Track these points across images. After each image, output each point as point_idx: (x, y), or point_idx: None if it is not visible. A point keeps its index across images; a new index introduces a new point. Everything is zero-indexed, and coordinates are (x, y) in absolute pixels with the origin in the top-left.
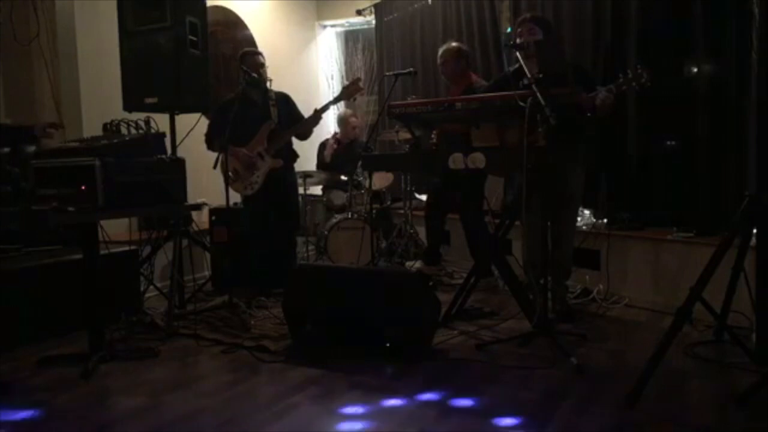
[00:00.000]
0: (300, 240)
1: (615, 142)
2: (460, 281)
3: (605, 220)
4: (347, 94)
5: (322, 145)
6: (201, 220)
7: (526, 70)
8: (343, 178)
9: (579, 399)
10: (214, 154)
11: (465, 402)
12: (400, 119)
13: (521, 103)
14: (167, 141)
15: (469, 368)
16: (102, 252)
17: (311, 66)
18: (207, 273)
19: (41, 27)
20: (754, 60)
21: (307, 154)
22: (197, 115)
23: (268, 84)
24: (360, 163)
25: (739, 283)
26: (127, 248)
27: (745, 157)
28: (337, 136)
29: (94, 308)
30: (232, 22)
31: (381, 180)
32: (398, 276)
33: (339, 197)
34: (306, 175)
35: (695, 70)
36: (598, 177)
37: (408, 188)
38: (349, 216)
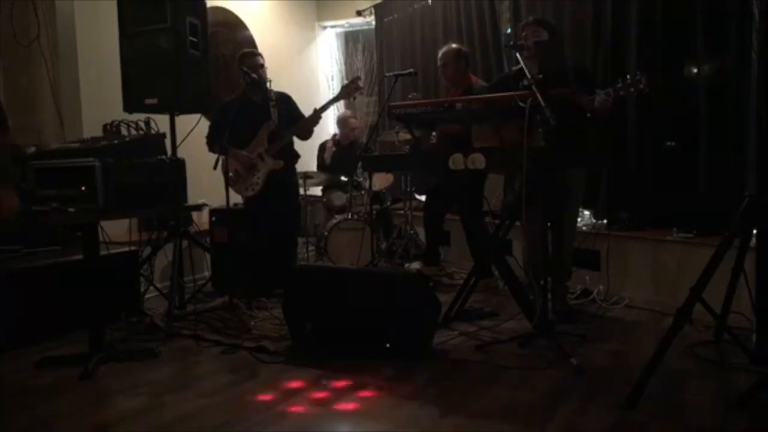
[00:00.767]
0: (300, 241)
1: (615, 142)
2: (460, 282)
3: (605, 220)
4: (347, 93)
5: (322, 147)
6: (201, 220)
7: (526, 70)
8: (343, 179)
9: (579, 399)
10: (214, 155)
11: (464, 402)
12: (400, 120)
13: (521, 104)
14: (167, 142)
15: (469, 369)
16: (102, 253)
17: (311, 67)
18: (207, 274)
19: (41, 27)
20: (754, 60)
21: (307, 155)
22: (197, 116)
23: (268, 84)
24: (360, 164)
25: (739, 283)
26: (127, 249)
27: (745, 157)
28: (336, 137)
29: (94, 308)
30: (232, 23)
31: (381, 181)
32: (398, 277)
33: (339, 198)
34: (306, 176)
35: (695, 70)
36: (598, 177)
37: (408, 189)
38: (349, 217)
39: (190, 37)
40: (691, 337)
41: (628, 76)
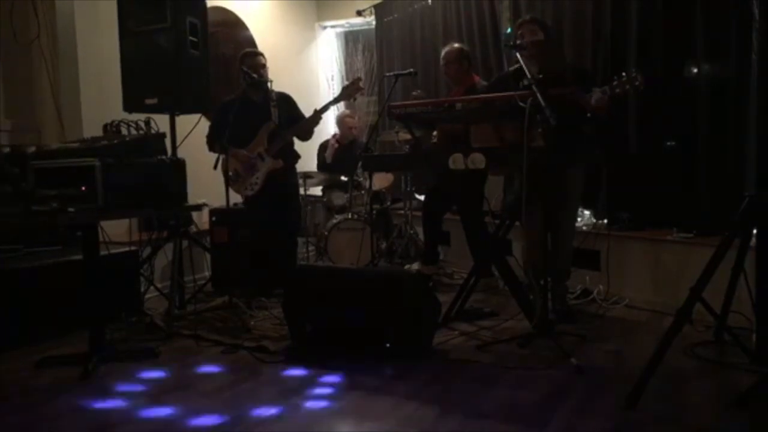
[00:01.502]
0: (300, 240)
1: (615, 142)
2: (460, 282)
3: (605, 220)
4: (347, 94)
5: (323, 147)
6: (201, 220)
7: (526, 70)
8: (344, 178)
9: (579, 399)
10: (215, 155)
11: (464, 403)
12: (400, 120)
13: (521, 104)
14: (167, 142)
15: (469, 369)
16: (102, 253)
17: (311, 66)
18: (207, 273)
19: (41, 27)
20: (754, 60)
21: (307, 155)
22: (197, 116)
23: (269, 84)
24: (360, 163)
25: (739, 283)
26: (127, 249)
27: (745, 157)
28: (337, 136)
29: (94, 308)
30: (232, 23)
31: (381, 181)
32: (398, 277)
33: (339, 198)
34: (306, 175)
35: (695, 70)
36: (598, 177)
37: (408, 189)
38: (350, 217)
39: (190, 37)
40: (691, 337)
41: (623, 74)
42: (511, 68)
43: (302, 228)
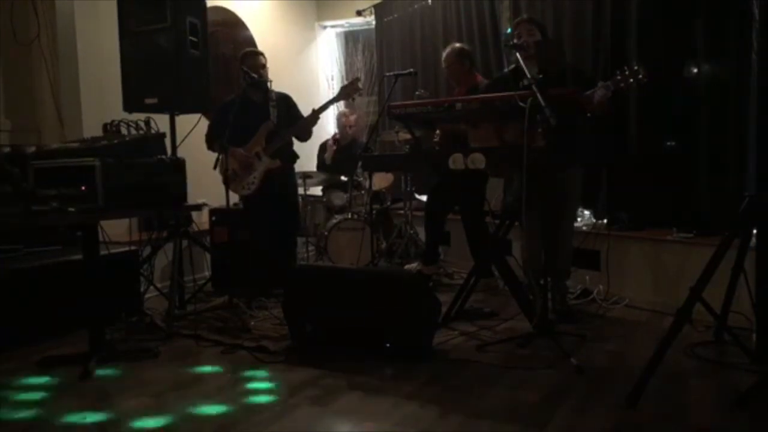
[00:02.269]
0: (300, 241)
1: (615, 142)
2: (460, 282)
3: (605, 220)
4: (345, 94)
5: (322, 147)
6: (201, 220)
7: (525, 70)
8: (343, 178)
9: (579, 399)
10: (214, 155)
11: (464, 402)
12: (400, 120)
13: (521, 104)
14: (167, 141)
15: (469, 369)
16: (102, 252)
17: (311, 66)
18: (207, 273)
19: (41, 27)
20: (754, 60)
21: (307, 155)
22: (197, 116)
23: (268, 84)
24: (360, 163)
25: (739, 283)
26: (127, 249)
27: (745, 157)
28: (336, 137)
29: (94, 308)
30: (232, 23)
31: (381, 181)
32: (398, 277)
33: (339, 198)
34: (306, 175)
35: (695, 70)
36: (598, 177)
37: (408, 189)
38: (349, 217)
39: (190, 37)
40: (691, 337)
41: (626, 68)
42: (511, 68)
43: (302, 228)
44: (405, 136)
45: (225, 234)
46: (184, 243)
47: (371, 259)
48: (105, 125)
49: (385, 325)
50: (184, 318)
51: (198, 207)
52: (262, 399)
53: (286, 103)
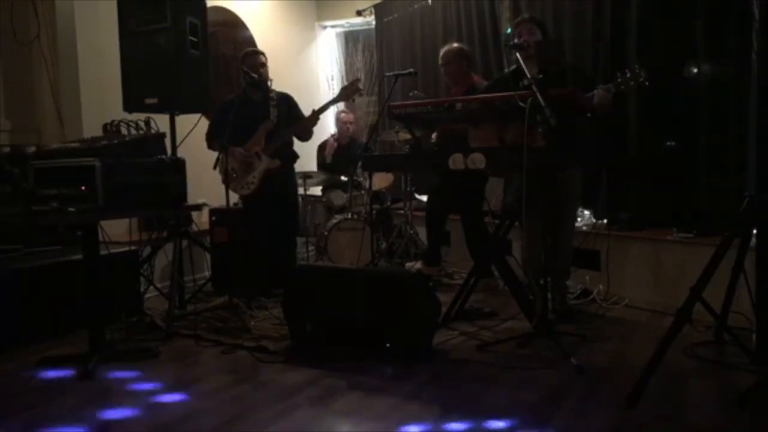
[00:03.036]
0: (300, 240)
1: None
2: (460, 282)
3: (605, 220)
4: (346, 95)
5: (322, 146)
6: (201, 220)
7: (525, 70)
8: (343, 178)
9: (579, 399)
10: (214, 155)
11: (464, 402)
12: (400, 120)
13: (521, 104)
14: (167, 141)
15: (469, 369)
16: (102, 252)
17: (311, 66)
18: (207, 273)
19: (41, 27)
20: (754, 60)
21: (307, 155)
22: (197, 116)
23: (269, 84)
24: (360, 163)
25: (739, 283)
26: (127, 249)
27: (745, 157)
28: (335, 135)
29: (94, 308)
30: (232, 23)
31: (381, 181)
32: (398, 277)
33: (339, 198)
34: (306, 175)
35: (695, 70)
36: (598, 177)
37: (408, 189)
38: (349, 216)
39: (190, 37)
40: (691, 337)
41: (627, 70)
42: (511, 68)
43: (302, 228)
44: (405, 136)
45: (225, 234)
46: (184, 243)
47: (371, 259)
48: (105, 125)
49: (385, 325)
50: (184, 318)
51: (198, 207)
52: (262, 399)
53: (287, 102)
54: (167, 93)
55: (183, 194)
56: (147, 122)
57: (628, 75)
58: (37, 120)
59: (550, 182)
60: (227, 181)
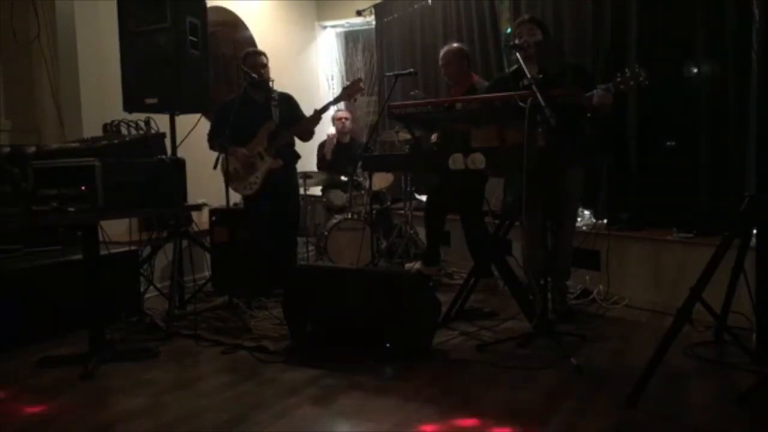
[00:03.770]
0: (300, 241)
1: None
2: (460, 282)
3: (605, 220)
4: (347, 94)
5: (322, 145)
6: (201, 220)
7: (526, 70)
8: (343, 178)
9: (579, 399)
10: (215, 155)
11: (464, 402)
12: (400, 120)
13: (521, 104)
14: (167, 141)
15: (469, 369)
16: (102, 252)
17: (311, 66)
18: (207, 273)
19: (41, 27)
20: (754, 60)
21: (307, 155)
22: (197, 116)
23: (270, 84)
24: (360, 163)
25: (739, 283)
26: (127, 249)
27: (745, 157)
28: (334, 135)
29: (94, 308)
30: (232, 23)
31: (381, 181)
32: (398, 277)
33: (339, 198)
34: (306, 175)
35: (695, 70)
36: (598, 177)
37: (408, 189)
38: (349, 216)
39: (190, 37)
40: (691, 337)
41: (627, 70)
42: (511, 69)
43: (302, 228)
44: (405, 136)
45: (225, 234)
46: (184, 243)
47: (371, 259)
48: (105, 125)
49: (385, 325)
50: (184, 318)
51: (198, 207)
52: (262, 399)
53: (287, 102)
54: (167, 93)
55: (183, 194)
56: (147, 122)
57: (628, 75)
58: (37, 120)
59: (551, 182)
60: (230, 182)
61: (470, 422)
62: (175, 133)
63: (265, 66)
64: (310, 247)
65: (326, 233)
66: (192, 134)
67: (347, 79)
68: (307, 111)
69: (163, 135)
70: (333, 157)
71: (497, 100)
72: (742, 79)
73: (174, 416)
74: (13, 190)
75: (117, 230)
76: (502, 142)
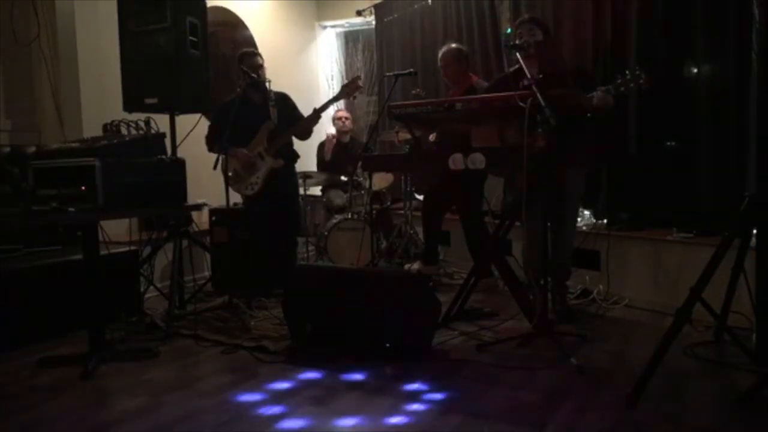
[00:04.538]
0: (300, 241)
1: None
2: (460, 282)
3: (605, 220)
4: (346, 92)
5: (322, 145)
6: (201, 220)
7: (526, 70)
8: (343, 178)
9: (579, 399)
10: (214, 155)
11: (464, 402)
12: (400, 120)
13: (521, 104)
14: (167, 141)
15: (469, 369)
16: (102, 252)
17: (311, 66)
18: (207, 273)
19: (41, 27)
20: (754, 60)
21: (307, 154)
22: (197, 116)
23: (267, 84)
24: (360, 163)
25: (739, 283)
26: (127, 249)
27: (745, 157)
28: (333, 135)
29: (94, 308)
30: (232, 23)
31: (381, 181)
32: (398, 277)
33: (339, 198)
34: (306, 175)
35: (695, 70)
36: (598, 177)
37: (408, 189)
38: (349, 216)
39: (190, 37)
40: (691, 337)
41: (627, 72)
42: (511, 69)
43: (302, 228)
44: (405, 136)
45: (225, 234)
46: (184, 243)
47: (371, 259)
48: (105, 125)
49: (385, 325)
50: (184, 318)
51: (198, 207)
52: (262, 399)
53: (285, 102)
54: (167, 93)
55: (183, 194)
56: (147, 122)
57: (628, 77)
58: (37, 120)
59: (551, 182)
60: (232, 183)
61: (470, 422)
62: (175, 133)
63: (261, 66)
64: (310, 247)
65: (326, 233)
66: (192, 134)
67: (347, 79)
68: (307, 111)
69: (163, 135)
70: (333, 157)
71: (497, 100)
72: (742, 79)
73: (174, 416)
74: (13, 190)
75: (117, 230)
76: (502, 142)
